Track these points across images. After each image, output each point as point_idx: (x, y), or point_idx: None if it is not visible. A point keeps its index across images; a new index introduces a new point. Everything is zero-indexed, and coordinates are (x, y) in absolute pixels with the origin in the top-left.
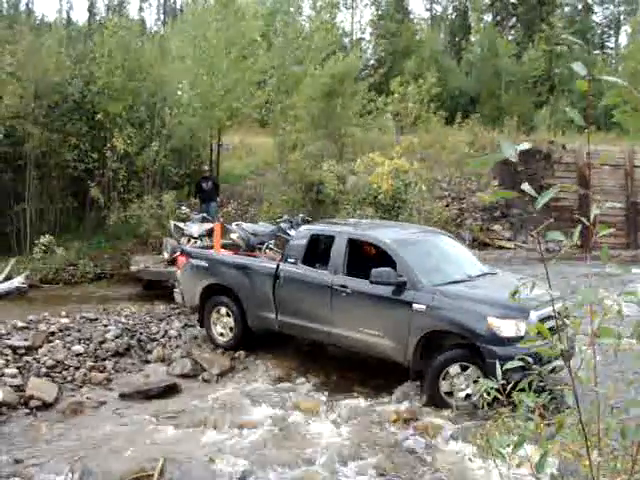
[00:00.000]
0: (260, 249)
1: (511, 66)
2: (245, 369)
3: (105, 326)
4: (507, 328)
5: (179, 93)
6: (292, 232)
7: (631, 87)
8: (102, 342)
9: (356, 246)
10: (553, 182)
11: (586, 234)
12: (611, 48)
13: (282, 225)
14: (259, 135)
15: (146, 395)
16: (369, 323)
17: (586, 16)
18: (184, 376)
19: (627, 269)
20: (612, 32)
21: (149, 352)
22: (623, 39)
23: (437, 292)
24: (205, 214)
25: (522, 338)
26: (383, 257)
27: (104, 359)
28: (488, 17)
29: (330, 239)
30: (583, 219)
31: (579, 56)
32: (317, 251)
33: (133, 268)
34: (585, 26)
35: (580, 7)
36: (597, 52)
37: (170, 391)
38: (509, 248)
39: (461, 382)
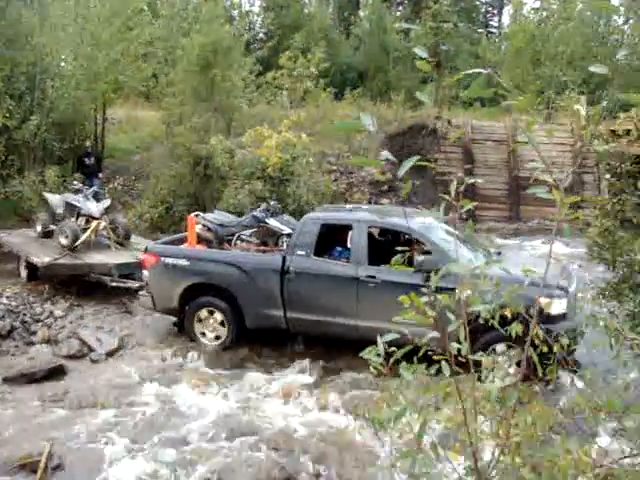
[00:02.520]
0: (229, 241)
1: (399, 42)
2: (133, 347)
3: None
4: (555, 307)
5: (62, 64)
6: (272, 221)
7: (495, 75)
8: None
9: (373, 234)
10: (439, 157)
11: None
12: (495, 27)
13: (257, 214)
14: (145, 109)
15: (31, 378)
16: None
17: None
18: (71, 357)
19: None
20: (496, 12)
21: (33, 334)
22: (506, 19)
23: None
24: (96, 188)
25: (565, 315)
26: (397, 244)
27: None
28: None
29: (345, 228)
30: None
31: (464, 34)
32: (328, 241)
33: (36, 261)
34: (470, 5)
35: None
36: (481, 30)
37: (56, 373)
38: None
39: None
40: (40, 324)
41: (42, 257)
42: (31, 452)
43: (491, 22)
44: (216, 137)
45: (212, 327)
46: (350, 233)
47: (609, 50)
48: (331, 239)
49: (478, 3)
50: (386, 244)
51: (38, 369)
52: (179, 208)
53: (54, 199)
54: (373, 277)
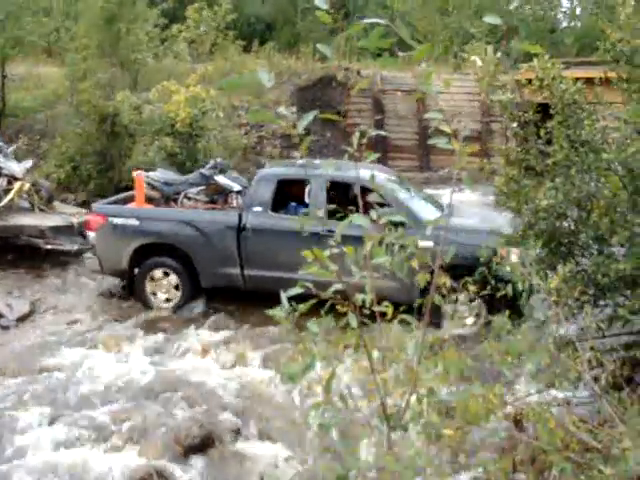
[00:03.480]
0: (175, 200)
1: None
2: (45, 312)
3: None
4: (514, 256)
5: None
6: (221, 179)
7: (393, 26)
8: None
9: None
10: (349, 108)
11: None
12: None
13: (205, 172)
14: (48, 65)
15: None
16: None
17: None
18: None
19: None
20: None
21: None
22: None
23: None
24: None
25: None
26: (346, 198)
27: None
28: None
29: (302, 183)
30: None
31: None
32: (283, 197)
33: None
34: None
35: None
36: None
37: None
38: None
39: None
40: None
41: None
42: None
43: None
44: (122, 93)
45: (165, 289)
46: (308, 188)
47: (515, 1)
48: (284, 195)
49: None
50: (336, 198)
51: None
52: (86, 167)
53: None
54: (332, 232)
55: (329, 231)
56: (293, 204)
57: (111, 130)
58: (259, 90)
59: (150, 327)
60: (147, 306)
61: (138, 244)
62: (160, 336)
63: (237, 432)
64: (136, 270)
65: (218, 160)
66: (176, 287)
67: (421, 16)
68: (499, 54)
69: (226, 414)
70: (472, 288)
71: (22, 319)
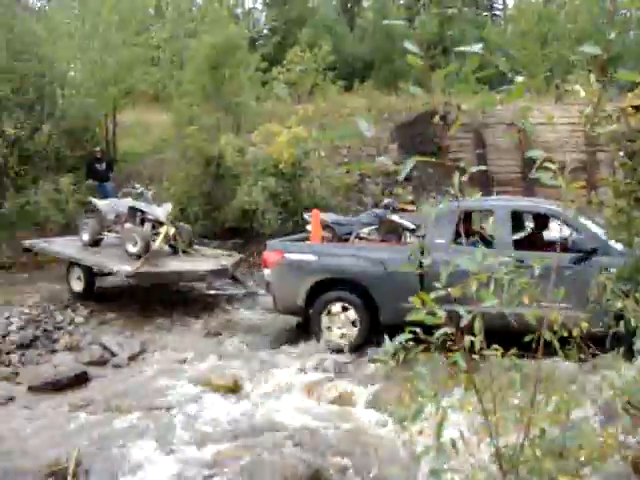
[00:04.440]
0: (347, 240)
1: (404, 30)
2: (155, 351)
3: (7, 318)
4: None
5: (71, 73)
6: (396, 217)
7: (488, 55)
8: (5, 335)
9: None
10: (450, 143)
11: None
12: (499, 9)
13: (378, 211)
14: (156, 112)
15: (56, 386)
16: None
17: None
18: (94, 363)
19: None
20: None
21: (56, 341)
22: (510, 0)
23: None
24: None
25: None
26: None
27: (8, 352)
28: None
29: (484, 214)
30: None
31: (469, 18)
32: (464, 229)
33: (118, 269)
34: None
35: None
36: (486, 14)
37: (80, 380)
38: (412, 211)
39: None
40: (62, 332)
41: (122, 266)
42: (59, 459)
43: (495, 4)
44: (226, 136)
45: (342, 324)
46: (491, 219)
47: (618, 26)
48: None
49: None
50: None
51: (62, 377)
52: (193, 209)
53: (104, 205)
54: (521, 262)
55: (518, 261)
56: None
57: (216, 172)
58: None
59: (254, 365)
60: (317, 340)
61: (316, 279)
62: (268, 374)
63: (344, 472)
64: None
65: (389, 200)
66: (353, 323)
67: (520, 47)
68: (601, 84)
69: (333, 454)
70: (584, 324)
71: (133, 358)
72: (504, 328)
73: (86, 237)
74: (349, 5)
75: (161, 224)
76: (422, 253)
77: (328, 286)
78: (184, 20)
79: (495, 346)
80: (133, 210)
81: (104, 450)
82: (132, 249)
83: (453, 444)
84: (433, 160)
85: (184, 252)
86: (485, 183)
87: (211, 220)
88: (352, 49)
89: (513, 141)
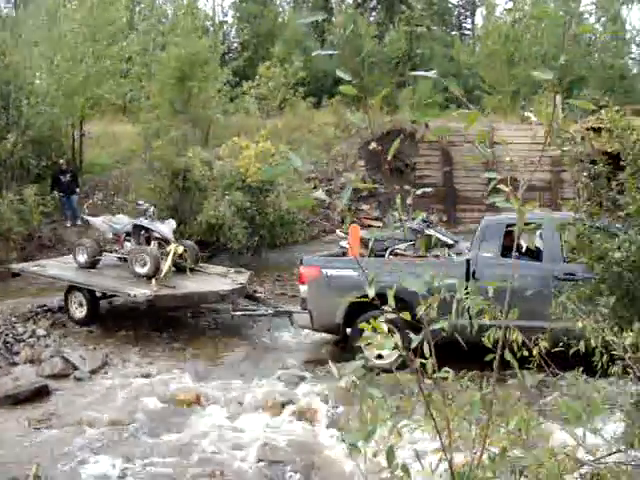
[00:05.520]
0: (382, 256)
1: (373, 47)
2: (118, 364)
3: None
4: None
5: (37, 81)
6: (434, 232)
7: (445, 79)
8: None
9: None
10: (418, 160)
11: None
12: (468, 29)
13: (415, 226)
14: (123, 123)
15: (16, 399)
16: None
17: None
18: (55, 376)
19: None
20: (468, 13)
21: (16, 354)
22: (479, 20)
23: None
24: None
25: None
26: None
27: None
28: None
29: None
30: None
31: (438, 37)
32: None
33: (135, 294)
34: (443, 8)
35: None
36: (455, 33)
37: (41, 393)
38: (378, 227)
39: None
40: (22, 344)
41: (139, 289)
42: (18, 476)
43: (464, 24)
44: (194, 149)
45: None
46: (539, 232)
47: (583, 49)
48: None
49: (451, 6)
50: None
51: (22, 390)
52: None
53: (100, 223)
54: (572, 274)
55: (567, 274)
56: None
57: (183, 185)
58: (327, 145)
59: (221, 379)
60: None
61: (357, 296)
62: (230, 389)
63: None
64: (348, 330)
65: (425, 215)
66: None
67: (488, 67)
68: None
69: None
70: (544, 344)
71: (95, 371)
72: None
73: (83, 258)
74: (319, 21)
75: (167, 242)
76: (468, 268)
77: (369, 304)
78: (155, 32)
79: (446, 368)
80: (137, 228)
81: (64, 466)
82: (141, 270)
83: (404, 470)
84: (375, 186)
85: (191, 270)
86: (451, 200)
87: (177, 234)
88: (322, 65)
89: (479, 159)
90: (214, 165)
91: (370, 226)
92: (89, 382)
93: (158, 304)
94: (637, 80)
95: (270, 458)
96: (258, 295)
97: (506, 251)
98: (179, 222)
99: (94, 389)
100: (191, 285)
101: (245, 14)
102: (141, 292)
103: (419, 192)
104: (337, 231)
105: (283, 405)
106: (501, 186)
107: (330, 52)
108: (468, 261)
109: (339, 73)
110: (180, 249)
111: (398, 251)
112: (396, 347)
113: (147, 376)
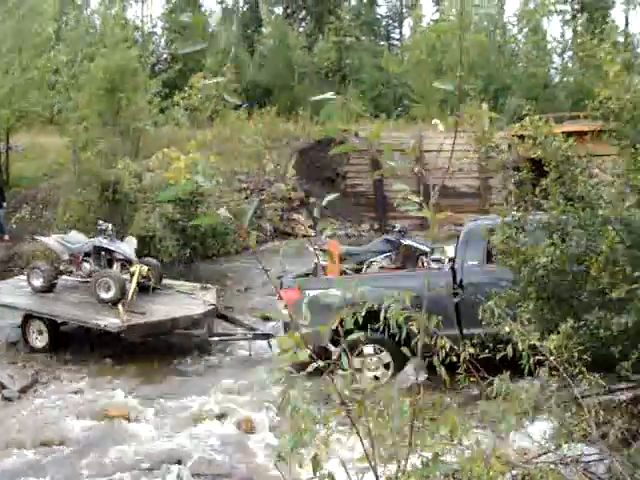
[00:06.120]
0: (359, 270)
1: (303, 58)
2: (48, 382)
3: None
4: None
5: None
6: (410, 242)
7: (344, 99)
8: None
9: None
10: (348, 169)
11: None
12: (396, 39)
13: (390, 238)
14: (50, 135)
15: None
16: None
17: (371, 8)
18: None
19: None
20: (396, 24)
21: None
22: (407, 30)
23: None
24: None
25: None
26: None
27: None
28: (279, 9)
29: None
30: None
31: (367, 47)
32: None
33: (107, 325)
34: (371, 18)
35: (365, 0)
36: (383, 43)
37: None
38: (310, 236)
39: None
40: None
41: (109, 319)
42: None
43: (393, 34)
44: (123, 161)
45: (374, 366)
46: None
47: (507, 59)
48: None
49: (379, 16)
50: None
51: None
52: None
53: (55, 244)
54: None
55: None
56: None
57: (113, 198)
58: (258, 154)
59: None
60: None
61: (344, 315)
62: (165, 403)
63: None
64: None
65: (400, 225)
66: (386, 365)
67: (416, 76)
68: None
69: None
70: (470, 350)
71: (24, 390)
72: None
73: (38, 282)
74: (249, 31)
75: (130, 263)
76: (454, 276)
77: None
78: (83, 43)
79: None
80: (98, 249)
81: None
82: (105, 295)
83: (332, 477)
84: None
85: (155, 289)
86: (383, 209)
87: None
88: (252, 75)
89: (409, 168)
90: (144, 177)
91: (305, 236)
92: (18, 401)
93: (130, 335)
94: (559, 89)
95: (206, 472)
96: (230, 314)
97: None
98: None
99: (24, 409)
100: (161, 309)
101: (174, 24)
102: (112, 322)
103: (324, 203)
104: (309, 247)
105: (220, 417)
106: (411, 196)
107: (189, 50)
108: (453, 269)
109: (227, 97)
110: (145, 269)
111: (376, 263)
112: (312, 358)
113: (78, 393)
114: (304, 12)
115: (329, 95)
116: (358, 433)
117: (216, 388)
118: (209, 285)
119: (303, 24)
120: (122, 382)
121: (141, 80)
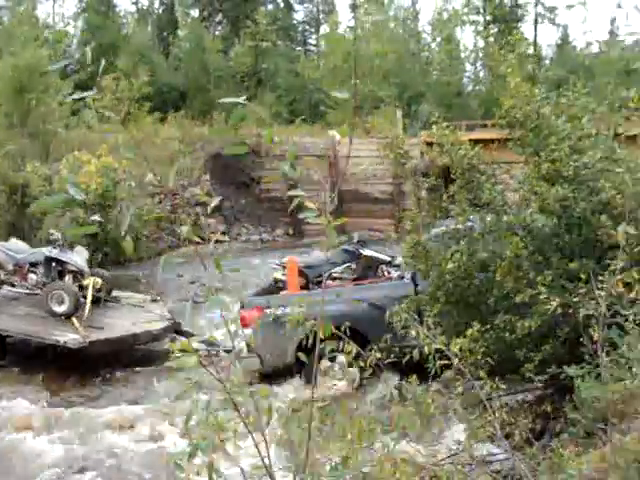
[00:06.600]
0: (319, 283)
1: (219, 61)
2: None
3: None
4: None
5: None
6: (370, 252)
7: (255, 107)
8: None
9: None
10: (262, 174)
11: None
12: (313, 45)
13: (349, 248)
14: None
15: None
16: None
17: (288, 14)
18: None
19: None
20: (313, 30)
21: None
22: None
23: None
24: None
25: None
26: None
27: None
28: (195, 12)
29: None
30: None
31: (283, 52)
32: None
33: (66, 341)
34: (287, 23)
35: (282, 5)
36: (300, 48)
37: None
38: (224, 241)
39: None
40: None
41: (68, 335)
42: None
43: (309, 40)
44: (32, 164)
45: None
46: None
47: (421, 67)
48: None
49: (295, 22)
50: None
51: None
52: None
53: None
54: None
55: None
56: None
57: (21, 201)
58: (172, 157)
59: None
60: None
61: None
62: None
63: None
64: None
65: (357, 234)
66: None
67: (331, 82)
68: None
69: None
70: (377, 355)
71: None
72: None
73: None
74: (164, 34)
75: (82, 274)
76: (415, 281)
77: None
78: None
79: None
80: (49, 260)
81: None
82: (58, 309)
83: None
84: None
85: (106, 301)
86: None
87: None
88: (167, 78)
89: (324, 173)
90: (54, 180)
91: (217, 241)
92: None
93: (91, 350)
94: (471, 97)
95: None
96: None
97: None
98: (21, 239)
99: None
100: (120, 324)
101: (87, 25)
102: (72, 338)
103: (209, 209)
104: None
105: (131, 426)
106: (308, 203)
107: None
108: (414, 278)
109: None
110: (99, 282)
111: (335, 275)
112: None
113: None
114: (220, 15)
115: (239, 100)
116: (254, 439)
117: (128, 397)
118: (158, 297)
119: (219, 28)
120: (30, 390)
121: (51, 81)
